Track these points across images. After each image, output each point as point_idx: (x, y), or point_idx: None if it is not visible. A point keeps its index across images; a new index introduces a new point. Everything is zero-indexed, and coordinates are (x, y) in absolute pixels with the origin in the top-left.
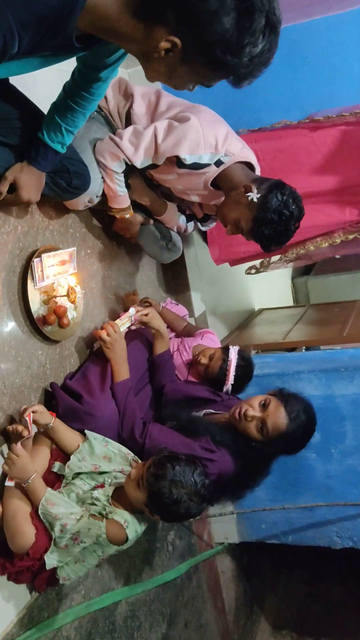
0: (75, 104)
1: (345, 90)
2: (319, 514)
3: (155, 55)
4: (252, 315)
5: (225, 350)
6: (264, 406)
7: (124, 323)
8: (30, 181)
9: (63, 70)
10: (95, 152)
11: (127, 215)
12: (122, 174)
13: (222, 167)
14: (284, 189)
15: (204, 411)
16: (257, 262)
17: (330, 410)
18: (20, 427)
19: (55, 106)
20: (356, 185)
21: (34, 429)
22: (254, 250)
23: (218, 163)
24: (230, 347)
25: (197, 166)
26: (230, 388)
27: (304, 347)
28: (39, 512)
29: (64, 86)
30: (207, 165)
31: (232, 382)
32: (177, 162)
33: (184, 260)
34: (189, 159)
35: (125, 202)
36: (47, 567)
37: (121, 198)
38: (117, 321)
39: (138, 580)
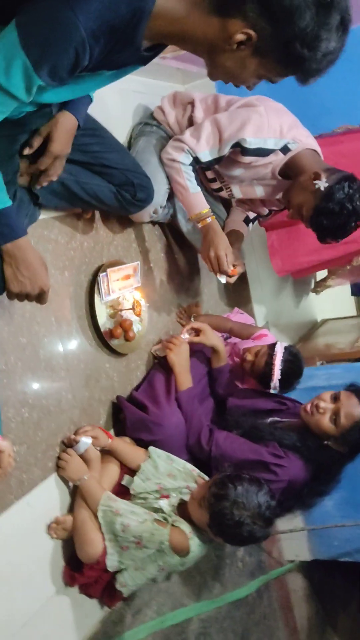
0: None
1: None
2: None
3: (227, 47)
4: (315, 326)
5: (271, 346)
6: (335, 398)
7: None
8: (64, 132)
9: (123, 89)
10: (161, 159)
11: (209, 220)
12: (192, 170)
13: (289, 155)
14: (354, 183)
15: (270, 419)
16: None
17: None
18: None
19: None
20: None
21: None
22: (317, 259)
23: (285, 150)
24: (278, 342)
25: (261, 152)
26: (277, 384)
27: None
28: (99, 510)
29: None
30: (272, 151)
31: (279, 377)
32: (242, 149)
33: (245, 272)
34: (253, 143)
35: (201, 203)
36: (109, 569)
37: (195, 197)
38: None
39: (209, 596)
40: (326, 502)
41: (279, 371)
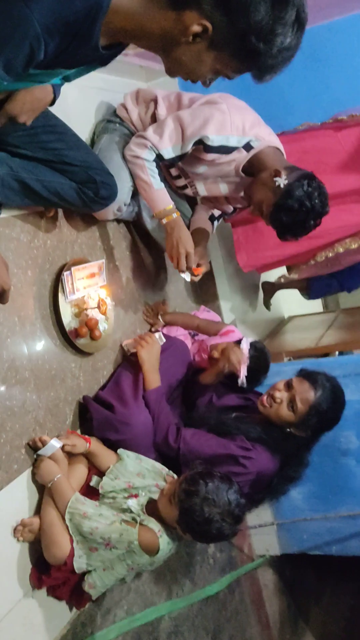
0: None
1: None
2: None
3: (183, 40)
4: (283, 322)
5: (237, 342)
6: (289, 386)
7: None
8: (30, 96)
9: (86, 86)
10: (124, 156)
11: (174, 215)
12: (156, 166)
13: (252, 152)
14: (313, 181)
15: (235, 414)
16: (285, 273)
17: None
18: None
19: None
20: None
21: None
22: (281, 254)
23: (248, 147)
24: (243, 338)
25: (224, 149)
26: (245, 380)
27: (337, 352)
28: (67, 513)
29: None
30: (235, 148)
31: (246, 374)
32: (204, 146)
33: (211, 269)
34: (216, 140)
35: (165, 199)
36: (76, 571)
37: (159, 193)
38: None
39: (180, 594)
40: (295, 496)
41: (246, 368)
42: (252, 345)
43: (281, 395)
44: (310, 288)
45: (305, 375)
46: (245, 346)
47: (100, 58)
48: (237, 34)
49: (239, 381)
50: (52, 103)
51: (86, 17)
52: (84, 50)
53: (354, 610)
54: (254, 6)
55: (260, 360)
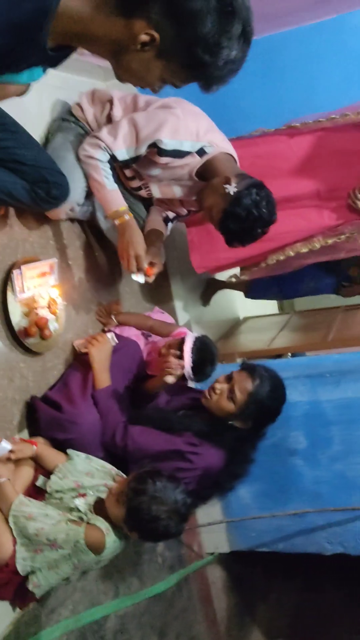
0: None
1: (321, 97)
2: (309, 520)
3: (132, 48)
4: (238, 323)
5: (182, 338)
6: (229, 378)
7: None
8: None
9: (41, 83)
10: (78, 156)
11: (126, 217)
12: (109, 167)
13: (206, 157)
14: (262, 190)
15: (182, 412)
16: (237, 271)
17: (316, 416)
18: None
19: None
20: (334, 189)
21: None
22: (235, 257)
23: (201, 152)
24: (188, 333)
25: (178, 153)
26: (190, 373)
27: (289, 354)
28: (10, 516)
29: None
30: (188, 153)
31: (191, 365)
32: (158, 150)
33: (166, 270)
34: (169, 145)
35: (118, 200)
36: (20, 573)
37: (112, 194)
38: None
39: (127, 593)
40: (244, 494)
41: (190, 360)
42: (197, 338)
43: (221, 386)
44: (249, 290)
45: (245, 367)
46: (188, 340)
47: (49, 60)
48: (183, 45)
49: (184, 372)
50: (25, 90)
51: (34, 19)
52: (32, 52)
53: (299, 606)
54: (201, 19)
55: (204, 351)
